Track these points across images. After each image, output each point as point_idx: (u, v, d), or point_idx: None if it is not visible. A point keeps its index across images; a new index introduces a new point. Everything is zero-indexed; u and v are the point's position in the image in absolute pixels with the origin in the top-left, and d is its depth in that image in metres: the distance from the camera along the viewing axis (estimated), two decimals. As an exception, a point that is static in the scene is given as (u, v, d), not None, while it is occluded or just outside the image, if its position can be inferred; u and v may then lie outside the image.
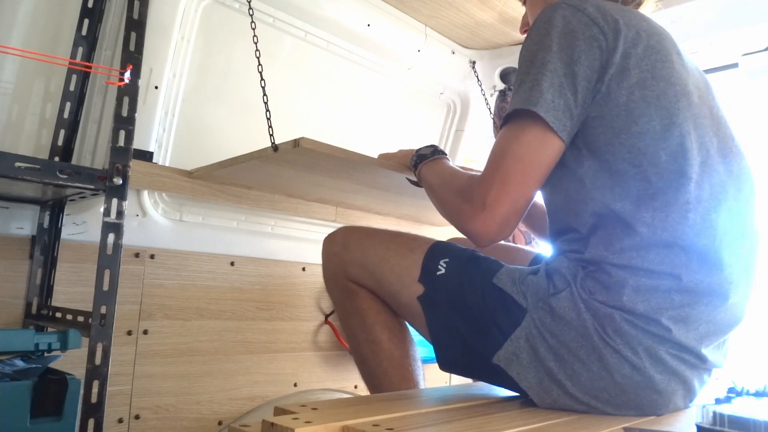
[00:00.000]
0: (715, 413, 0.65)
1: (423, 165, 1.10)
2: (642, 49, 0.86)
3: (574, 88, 0.84)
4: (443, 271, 0.99)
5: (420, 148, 1.15)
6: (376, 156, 1.27)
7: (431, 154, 1.11)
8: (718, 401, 0.85)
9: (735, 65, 1.62)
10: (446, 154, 1.12)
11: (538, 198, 0.96)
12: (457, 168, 1.06)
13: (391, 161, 1.25)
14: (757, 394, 0.91)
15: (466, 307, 0.94)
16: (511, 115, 0.86)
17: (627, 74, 0.85)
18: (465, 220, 0.88)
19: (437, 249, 1.04)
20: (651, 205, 0.82)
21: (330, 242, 1.18)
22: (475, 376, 1.05)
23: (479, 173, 0.90)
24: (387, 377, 1.08)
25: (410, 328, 1.14)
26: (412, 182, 1.26)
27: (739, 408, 0.71)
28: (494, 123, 2.10)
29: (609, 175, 0.85)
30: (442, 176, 1.03)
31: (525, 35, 1.16)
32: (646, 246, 0.82)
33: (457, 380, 1.94)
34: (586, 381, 0.84)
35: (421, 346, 1.15)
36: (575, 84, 0.84)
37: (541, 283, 0.90)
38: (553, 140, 0.84)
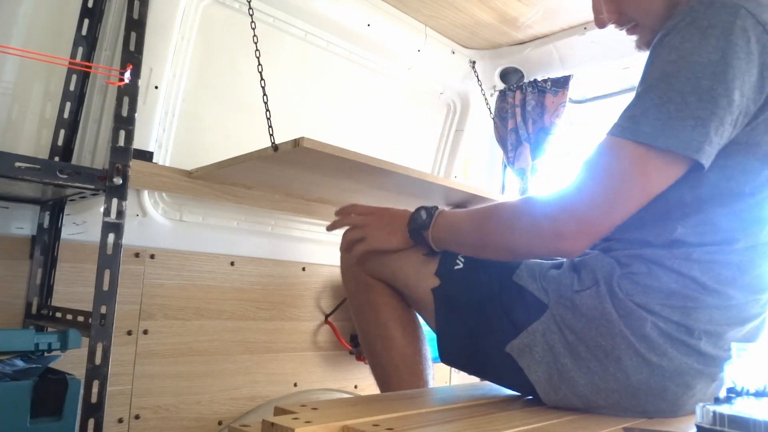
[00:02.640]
0: (715, 413, 0.65)
1: (437, 218, 0.99)
2: None
3: (734, 124, 0.74)
4: (461, 265, 0.99)
5: (409, 221, 1.02)
6: (378, 156, 1.26)
7: (428, 216, 0.99)
8: (718, 401, 0.85)
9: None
10: (433, 210, 1.00)
11: None
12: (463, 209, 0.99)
13: (375, 247, 1.06)
14: (757, 394, 0.91)
15: (482, 300, 0.94)
16: (644, 135, 0.74)
17: None
18: (562, 238, 0.79)
19: None
20: (741, 229, 0.80)
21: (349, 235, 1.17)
22: (478, 370, 1.04)
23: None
24: (397, 373, 1.09)
25: (423, 325, 1.14)
26: (426, 254, 1.04)
27: (739, 408, 0.71)
28: (494, 123, 2.11)
29: (730, 200, 0.80)
30: (480, 215, 0.92)
31: (607, 26, 0.94)
32: (708, 262, 0.80)
33: (458, 379, 1.94)
34: (600, 381, 0.84)
35: (432, 345, 1.15)
36: (737, 120, 0.74)
37: (564, 279, 0.89)
38: (684, 167, 0.76)
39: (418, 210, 1.01)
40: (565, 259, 0.94)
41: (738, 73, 0.71)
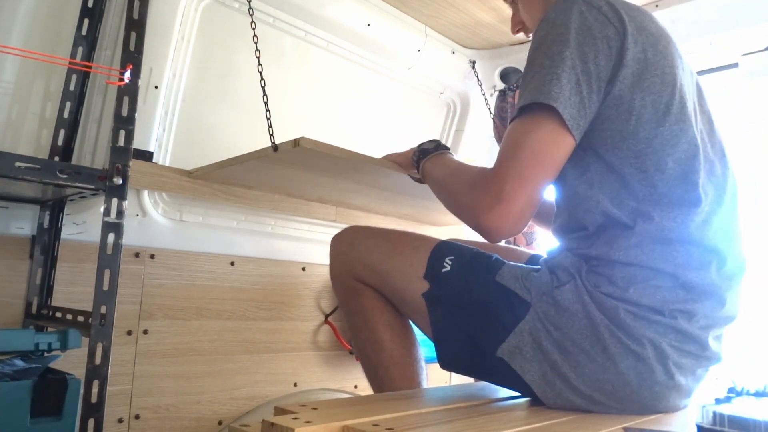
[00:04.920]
0: (715, 413, 0.65)
1: (426, 160, 1.09)
2: (652, 54, 0.86)
3: (590, 88, 0.83)
4: (448, 268, 0.99)
5: (422, 143, 1.13)
6: (378, 156, 1.27)
7: (434, 149, 1.09)
8: (718, 401, 0.86)
9: (735, 65, 1.62)
10: (449, 149, 1.10)
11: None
12: (463, 162, 1.04)
13: (392, 159, 1.24)
14: (757, 394, 0.91)
15: (471, 303, 0.95)
16: (527, 108, 0.84)
17: (637, 78, 0.84)
18: (479, 214, 0.84)
19: (443, 247, 1.04)
20: (659, 206, 0.84)
21: (337, 241, 1.19)
22: (477, 374, 1.05)
23: (487, 167, 0.89)
24: (388, 377, 1.09)
25: (415, 329, 1.14)
26: (414, 179, 1.24)
27: (739, 408, 0.71)
28: (494, 123, 2.11)
29: (616, 178, 0.86)
30: (449, 170, 1.01)
31: (518, 33, 1.18)
32: (651, 243, 0.83)
33: (457, 380, 1.94)
34: (591, 373, 0.84)
35: (423, 346, 1.15)
36: (590, 83, 0.83)
37: (544, 278, 0.91)
38: (567, 138, 0.83)
39: (431, 140, 1.13)
40: (541, 263, 0.97)
41: (582, 41, 0.83)
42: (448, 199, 0.99)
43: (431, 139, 1.13)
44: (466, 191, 0.90)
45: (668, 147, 0.84)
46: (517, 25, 1.16)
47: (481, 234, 0.87)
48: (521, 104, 0.85)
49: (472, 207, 0.86)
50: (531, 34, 1.13)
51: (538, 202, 0.84)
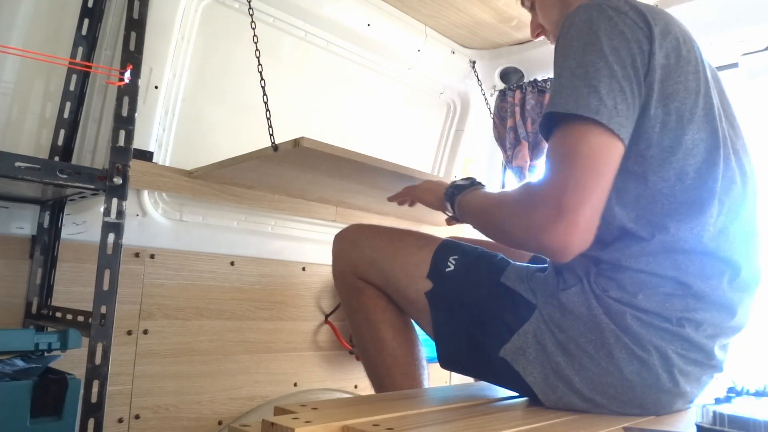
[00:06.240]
0: (715, 413, 0.65)
1: (462, 195, 1.00)
2: (675, 60, 0.83)
3: (633, 92, 0.79)
4: (452, 267, 0.99)
5: (454, 181, 1.05)
6: (378, 156, 1.26)
7: (470, 185, 1.01)
8: (718, 401, 0.86)
9: (735, 65, 1.62)
10: (484, 185, 1.01)
11: None
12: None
13: (417, 197, 1.17)
14: (757, 394, 0.91)
15: (474, 303, 0.95)
16: (566, 117, 0.78)
17: (661, 85, 0.82)
18: (539, 232, 0.76)
19: (447, 246, 1.04)
20: (675, 217, 0.82)
21: (340, 240, 1.19)
22: (477, 374, 1.04)
23: (531, 182, 0.83)
24: (389, 375, 1.09)
25: (417, 328, 1.14)
26: (451, 217, 1.11)
27: (739, 408, 0.71)
28: (494, 123, 2.11)
29: (635, 186, 0.83)
30: (491, 198, 0.93)
31: (539, 37, 1.14)
32: (664, 252, 0.82)
33: (458, 380, 1.94)
34: (594, 376, 0.84)
35: (425, 346, 1.15)
36: (632, 87, 0.79)
37: (550, 280, 0.90)
38: (618, 144, 0.78)
39: (465, 178, 1.05)
40: (547, 263, 0.95)
41: (618, 45, 0.79)
42: (496, 226, 0.89)
43: (464, 177, 1.06)
44: (519, 212, 0.81)
45: (690, 156, 0.82)
46: (537, 29, 1.13)
47: (548, 255, 0.80)
48: (561, 111, 0.79)
49: (529, 227, 0.77)
50: (551, 38, 1.10)
51: (601, 213, 0.78)
